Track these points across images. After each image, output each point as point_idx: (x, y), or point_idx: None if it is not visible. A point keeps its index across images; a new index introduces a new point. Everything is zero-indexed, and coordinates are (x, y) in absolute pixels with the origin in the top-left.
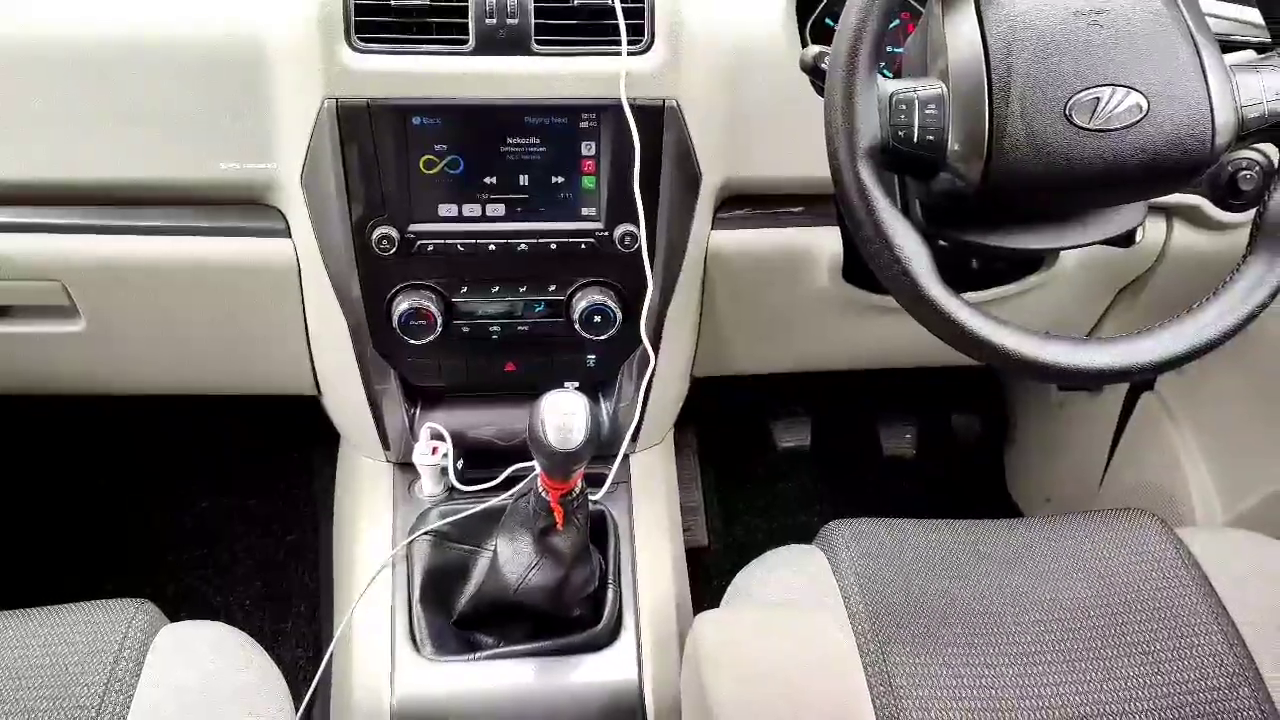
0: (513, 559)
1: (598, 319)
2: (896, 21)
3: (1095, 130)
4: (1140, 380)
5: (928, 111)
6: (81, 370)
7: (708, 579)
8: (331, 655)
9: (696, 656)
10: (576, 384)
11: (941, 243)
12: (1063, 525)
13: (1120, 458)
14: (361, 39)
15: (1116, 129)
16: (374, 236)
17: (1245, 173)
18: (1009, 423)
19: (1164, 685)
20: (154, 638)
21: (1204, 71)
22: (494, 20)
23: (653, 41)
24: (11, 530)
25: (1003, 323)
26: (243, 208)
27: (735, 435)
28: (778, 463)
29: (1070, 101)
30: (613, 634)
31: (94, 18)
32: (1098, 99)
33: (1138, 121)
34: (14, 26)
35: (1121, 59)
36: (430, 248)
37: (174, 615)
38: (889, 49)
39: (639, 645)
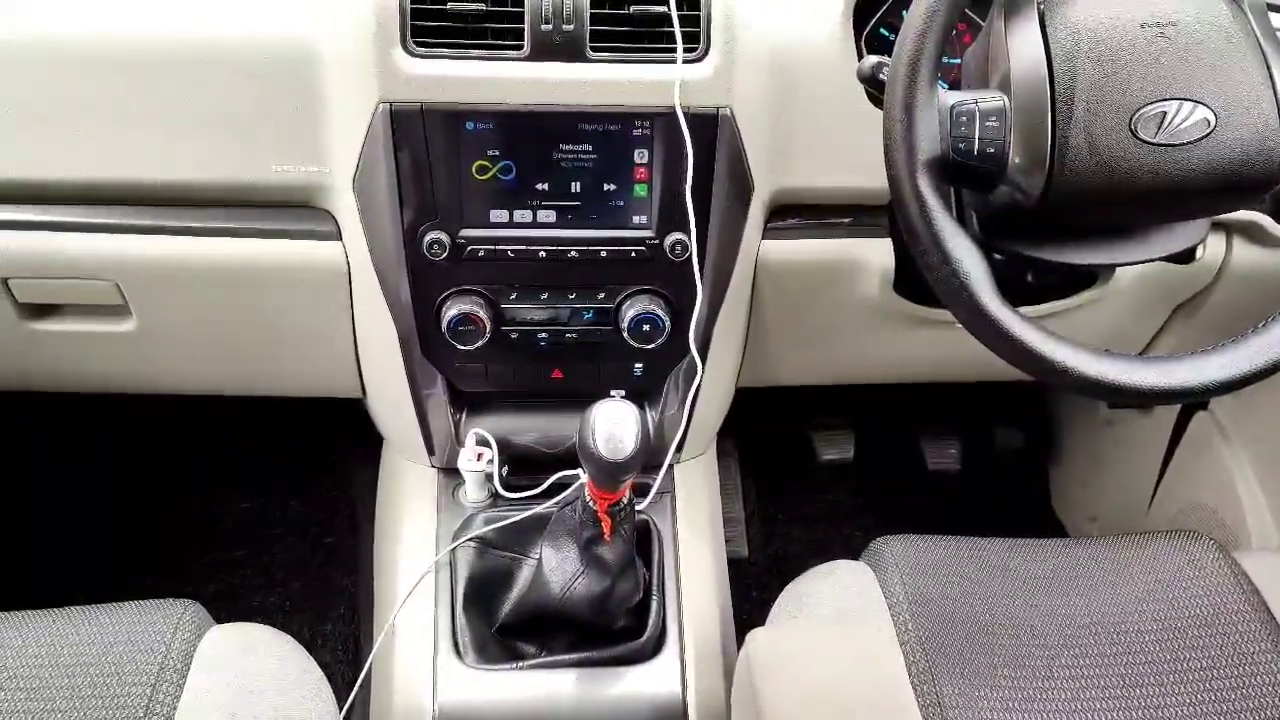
0: (558, 568)
1: (646, 327)
2: (954, 32)
3: (1161, 145)
4: (1196, 401)
5: (988, 123)
6: (130, 369)
7: (748, 591)
8: (373, 660)
9: (750, 671)
10: (623, 392)
11: (998, 256)
12: (1115, 546)
13: (1171, 477)
14: (417, 43)
15: (1183, 144)
16: (425, 241)
17: None
18: (1055, 439)
19: (1221, 713)
20: (201, 638)
21: (1274, 86)
22: (550, 26)
23: (708, 50)
24: (55, 528)
25: (1061, 339)
26: (294, 210)
27: (777, 447)
28: (820, 475)
29: (1136, 115)
30: (656, 646)
31: (150, 21)
32: (1164, 113)
33: (1205, 136)
34: (71, 29)
35: (1189, 73)
36: (481, 253)
37: (215, 615)
38: (945, 59)
39: (683, 658)
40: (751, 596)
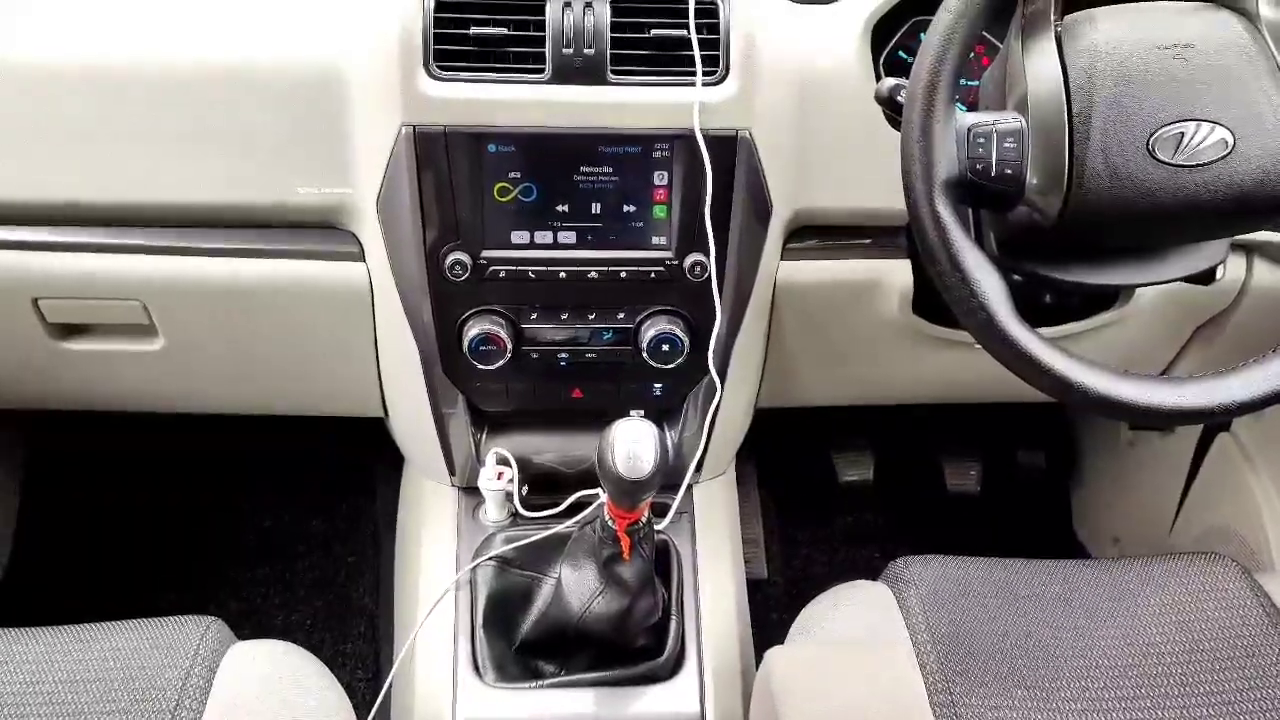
0: (577, 587)
1: (665, 348)
2: (971, 54)
3: (1179, 165)
4: (1218, 421)
5: (1006, 145)
6: (157, 388)
7: (767, 612)
8: (393, 678)
9: (769, 690)
10: (642, 412)
11: (1016, 276)
12: (1137, 568)
13: (1193, 500)
14: (440, 67)
15: (1201, 164)
16: (447, 262)
17: None
18: (1076, 460)
19: None
20: (224, 655)
21: None
22: (571, 50)
23: (727, 72)
24: (80, 544)
25: (1079, 358)
26: (318, 231)
27: (797, 468)
28: (839, 496)
29: (1154, 136)
30: (675, 665)
31: (178, 45)
32: (1182, 134)
33: (1223, 157)
34: (99, 52)
35: (1207, 94)
36: (502, 274)
37: (237, 633)
38: (962, 81)
39: (701, 677)
40: (771, 618)
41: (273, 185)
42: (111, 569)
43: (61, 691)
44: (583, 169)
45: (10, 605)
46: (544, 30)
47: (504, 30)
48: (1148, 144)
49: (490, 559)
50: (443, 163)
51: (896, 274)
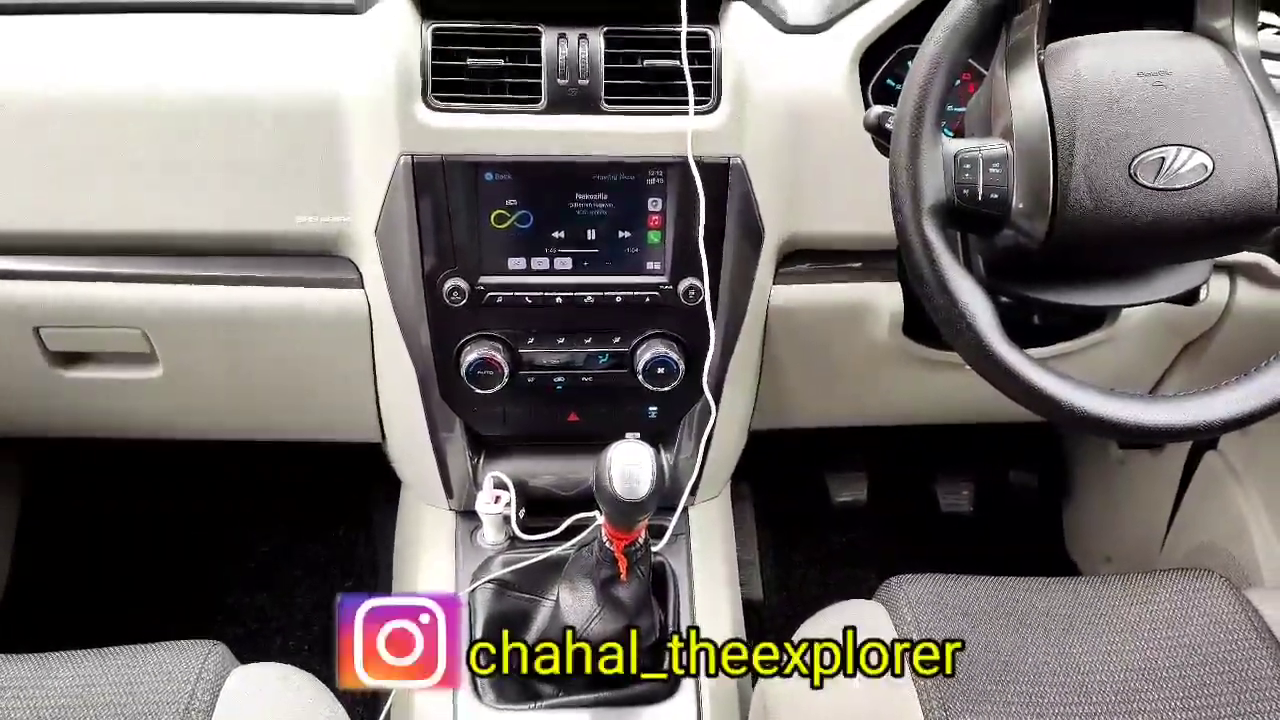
0: (575, 608)
1: (660, 371)
2: (958, 82)
3: (1160, 189)
4: (1204, 439)
5: (992, 170)
6: (156, 415)
7: (763, 633)
8: (392, 702)
9: (763, 711)
10: (638, 435)
11: (1004, 298)
12: (1127, 585)
13: (1183, 517)
14: (437, 97)
15: (1181, 188)
16: (445, 288)
17: None
18: (1068, 480)
19: None
20: (226, 679)
21: (1269, 132)
22: (565, 80)
23: (719, 101)
24: (79, 571)
25: (1068, 379)
26: (317, 259)
27: (791, 489)
28: (833, 517)
29: (1135, 161)
30: (673, 686)
31: (179, 76)
32: (1162, 159)
33: (1203, 181)
34: (98, 83)
35: (1186, 120)
36: (499, 299)
37: (235, 658)
38: (949, 108)
39: (698, 698)
40: (767, 639)
41: (272, 214)
42: (109, 594)
43: (64, 717)
44: (578, 196)
45: (9, 629)
46: (539, 62)
47: (500, 62)
48: (1129, 169)
49: (488, 582)
50: (440, 191)
51: (887, 297)
